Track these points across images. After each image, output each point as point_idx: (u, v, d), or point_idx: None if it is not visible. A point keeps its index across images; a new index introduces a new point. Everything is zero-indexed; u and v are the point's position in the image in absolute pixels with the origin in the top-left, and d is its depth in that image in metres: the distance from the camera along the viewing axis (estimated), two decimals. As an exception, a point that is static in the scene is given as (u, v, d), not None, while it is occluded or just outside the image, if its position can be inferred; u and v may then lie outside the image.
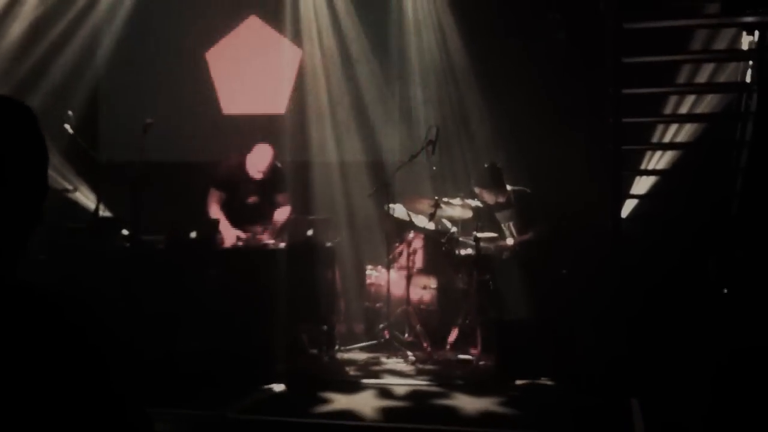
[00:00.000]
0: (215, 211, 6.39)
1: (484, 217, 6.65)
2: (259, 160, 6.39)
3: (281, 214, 6.60)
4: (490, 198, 6.56)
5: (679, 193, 6.52)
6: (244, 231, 6.36)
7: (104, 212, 6.88)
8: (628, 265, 5.88)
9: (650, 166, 6.68)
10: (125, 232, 6.30)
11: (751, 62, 5.99)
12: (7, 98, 1.18)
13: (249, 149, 6.50)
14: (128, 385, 1.11)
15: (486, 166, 6.63)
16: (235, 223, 6.36)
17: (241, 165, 6.44)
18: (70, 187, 7.56)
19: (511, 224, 6.70)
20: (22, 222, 1.15)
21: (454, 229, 6.85)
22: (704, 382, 4.39)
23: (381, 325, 6.53)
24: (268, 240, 6.38)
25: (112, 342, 1.12)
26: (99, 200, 6.47)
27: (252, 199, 6.56)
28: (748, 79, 6.01)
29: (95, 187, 6.78)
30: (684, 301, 5.46)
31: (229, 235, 6.26)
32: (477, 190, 6.59)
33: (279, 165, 6.61)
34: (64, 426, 1.04)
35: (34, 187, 1.17)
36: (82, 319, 1.11)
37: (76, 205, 7.59)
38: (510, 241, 6.63)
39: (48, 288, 1.10)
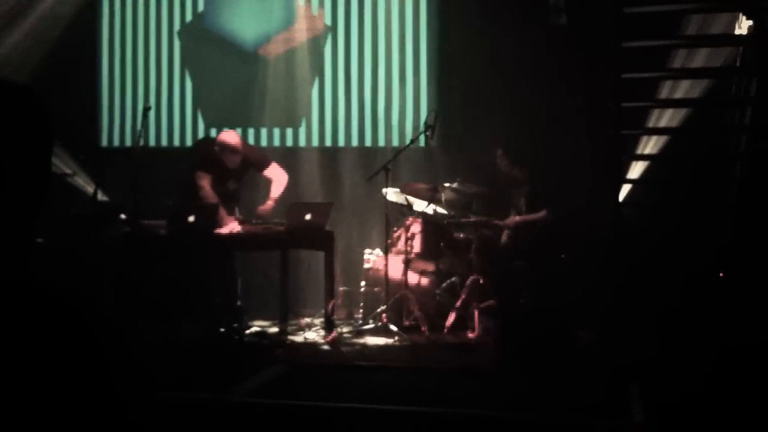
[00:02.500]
0: (210, 194, 6.35)
1: (479, 202, 6.67)
2: (226, 146, 6.37)
3: (277, 186, 6.59)
4: (506, 166, 6.60)
5: (676, 179, 6.52)
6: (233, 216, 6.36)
7: (103, 197, 6.88)
8: (625, 251, 5.90)
9: (644, 152, 6.69)
10: (124, 216, 6.30)
11: (744, 48, 5.98)
12: (19, 85, 1.16)
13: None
14: (129, 378, 1.11)
15: (513, 140, 6.69)
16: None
17: (215, 150, 6.41)
18: (68, 172, 7.54)
19: (522, 201, 6.70)
20: (26, 209, 1.13)
21: (452, 214, 6.87)
22: (703, 368, 4.42)
23: (379, 310, 6.56)
24: (266, 211, 6.38)
25: (114, 336, 1.11)
26: (97, 185, 6.46)
27: (231, 185, 6.55)
28: (747, 64, 6.00)
29: (94, 172, 6.77)
30: (682, 288, 5.48)
31: (228, 219, 6.25)
32: (500, 152, 6.62)
33: (250, 147, 6.58)
34: (64, 421, 1.04)
35: (38, 174, 1.15)
36: (83, 314, 1.10)
37: (75, 190, 7.58)
38: (513, 219, 6.63)
39: (49, 282, 1.09)
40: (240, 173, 6.58)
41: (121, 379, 1.11)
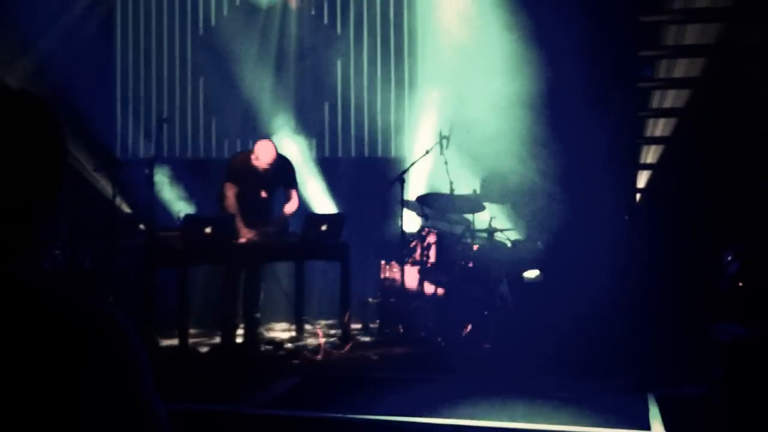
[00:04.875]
0: (233, 205, 6.40)
1: (495, 212, 6.65)
2: (262, 156, 6.40)
3: (290, 207, 6.64)
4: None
5: (686, 186, 6.50)
6: (256, 226, 6.37)
7: (121, 207, 6.91)
8: (641, 257, 5.87)
9: (646, 161, 6.70)
10: (142, 227, 6.33)
11: None
12: (19, 91, 1.15)
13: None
14: (146, 382, 1.10)
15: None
16: (248, 217, 6.37)
17: (250, 160, 6.46)
18: (88, 181, 7.58)
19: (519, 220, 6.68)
20: (31, 217, 1.13)
21: (468, 224, 6.85)
22: (719, 377, 4.37)
23: (395, 320, 6.53)
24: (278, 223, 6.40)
25: (129, 339, 1.10)
26: (115, 195, 6.51)
27: (263, 194, 6.57)
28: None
29: (112, 183, 6.82)
30: (699, 295, 5.44)
31: (245, 231, 6.27)
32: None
33: (287, 159, 6.63)
34: (81, 427, 1.03)
35: (43, 182, 1.14)
36: (90, 316, 1.08)
37: (93, 201, 7.62)
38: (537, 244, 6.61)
39: (57, 285, 1.08)
40: (273, 182, 6.58)
41: (138, 384, 1.10)
